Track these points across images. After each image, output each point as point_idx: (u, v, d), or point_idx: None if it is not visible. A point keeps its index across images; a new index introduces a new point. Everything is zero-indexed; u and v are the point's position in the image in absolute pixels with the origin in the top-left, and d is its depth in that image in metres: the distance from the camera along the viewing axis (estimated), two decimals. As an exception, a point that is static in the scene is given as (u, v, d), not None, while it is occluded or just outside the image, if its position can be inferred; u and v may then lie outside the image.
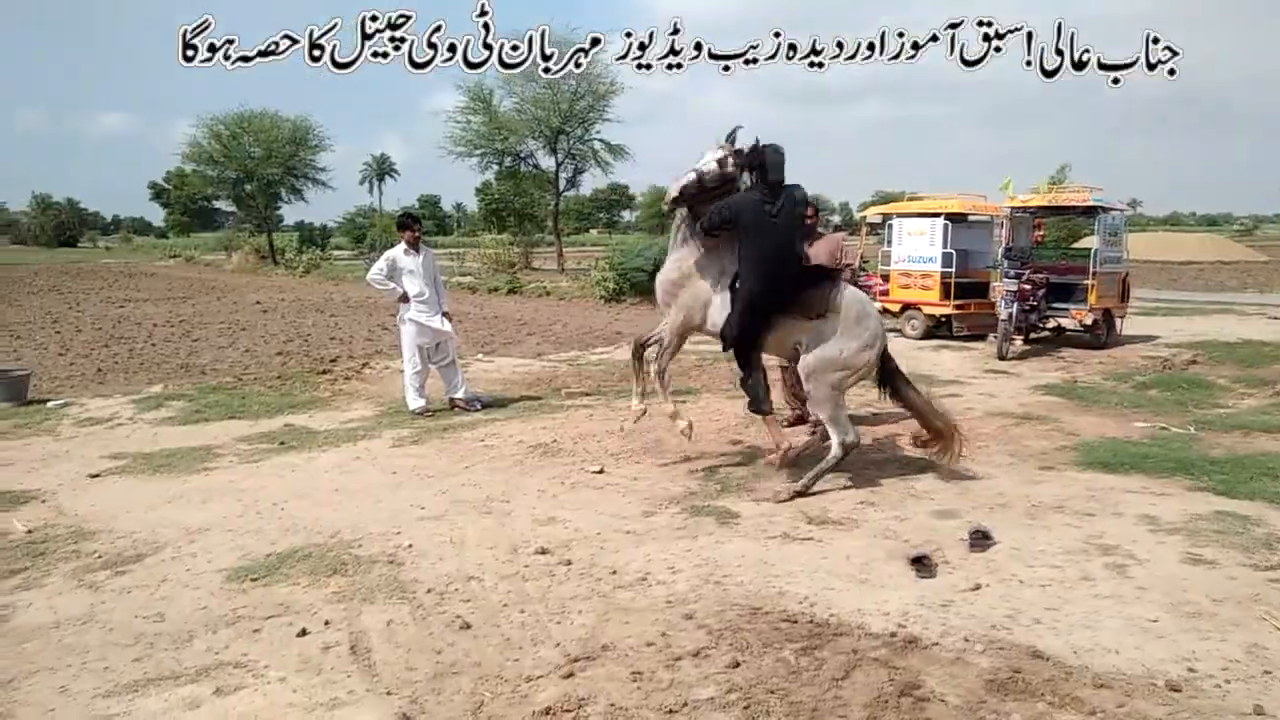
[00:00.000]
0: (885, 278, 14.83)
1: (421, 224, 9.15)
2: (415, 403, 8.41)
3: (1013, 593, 4.23)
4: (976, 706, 3.18)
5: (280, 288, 27.41)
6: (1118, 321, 13.85)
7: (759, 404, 6.19)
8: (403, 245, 8.58)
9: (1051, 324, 13.58)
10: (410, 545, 4.88)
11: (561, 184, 37.63)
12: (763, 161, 5.87)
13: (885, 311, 13.94)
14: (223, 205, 55.74)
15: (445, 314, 8.67)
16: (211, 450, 7.05)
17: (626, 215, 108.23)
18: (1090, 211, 13.89)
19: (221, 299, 22.62)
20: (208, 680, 3.44)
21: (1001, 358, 11.94)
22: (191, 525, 5.26)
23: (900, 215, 14.98)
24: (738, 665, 3.50)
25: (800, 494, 5.70)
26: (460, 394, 8.66)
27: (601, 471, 6.32)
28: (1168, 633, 3.78)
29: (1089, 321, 13.18)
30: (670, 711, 3.18)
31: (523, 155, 37.24)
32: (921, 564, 4.51)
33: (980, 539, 4.82)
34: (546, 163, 37.20)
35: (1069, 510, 5.43)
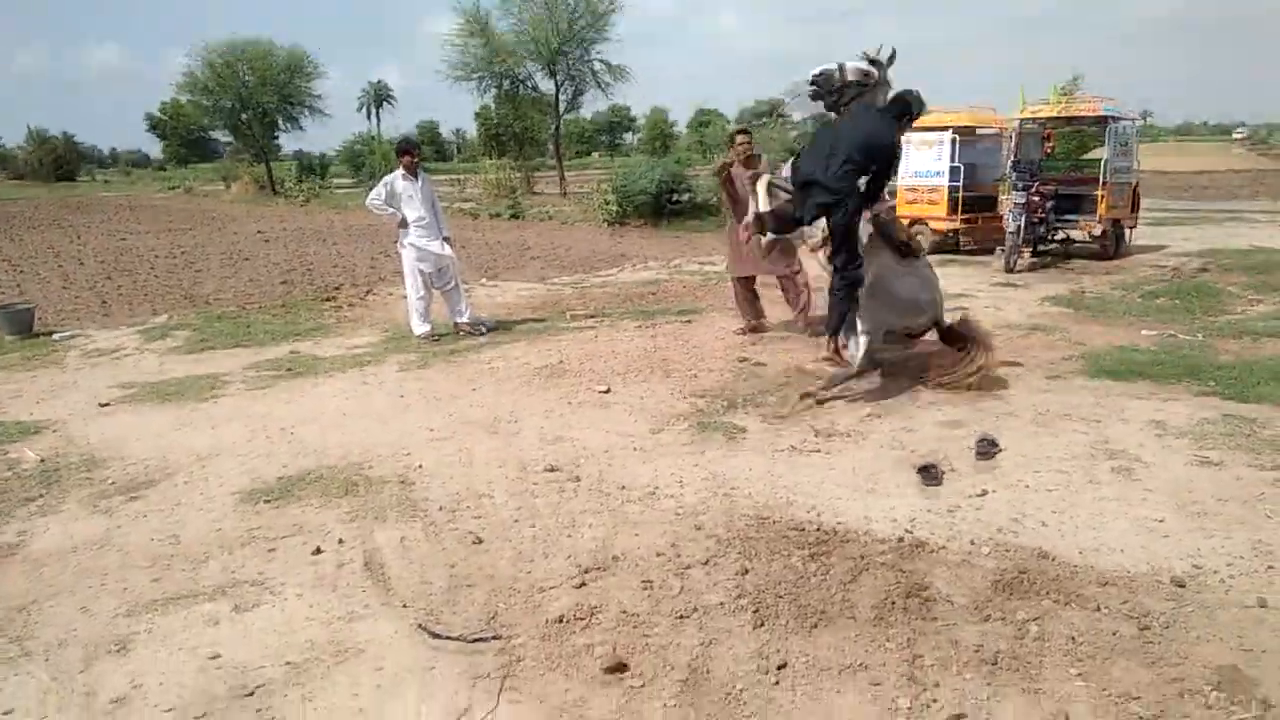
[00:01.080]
0: (892, 193, 14.63)
1: (420, 149, 9.01)
2: (420, 328, 8.40)
3: (1019, 497, 4.25)
4: (983, 605, 3.22)
5: (281, 217, 27.21)
6: (1127, 232, 13.69)
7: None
8: (400, 171, 8.47)
9: (1060, 236, 13.42)
10: (420, 465, 4.92)
11: (561, 107, 36.90)
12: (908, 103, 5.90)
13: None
14: (219, 136, 55.04)
15: (446, 238, 8.60)
16: (219, 378, 7.07)
17: (629, 138, 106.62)
18: (1101, 122, 13.60)
19: (222, 230, 22.47)
20: (225, 598, 3.50)
21: (1009, 271, 11.85)
22: (202, 451, 5.30)
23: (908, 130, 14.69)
24: (747, 572, 3.54)
25: (817, 401, 5.81)
26: (465, 318, 8.64)
27: (608, 391, 6.33)
28: (1173, 532, 3.80)
29: (1098, 233, 13.02)
30: (681, 617, 3.23)
31: (521, 78, 36.42)
32: (929, 472, 4.53)
33: (987, 447, 4.83)
34: (546, 85, 36.42)
35: (1076, 417, 5.43)
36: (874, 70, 5.89)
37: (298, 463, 5.05)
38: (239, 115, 44.17)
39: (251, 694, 2.86)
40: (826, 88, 5.86)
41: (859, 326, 6.00)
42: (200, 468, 5.03)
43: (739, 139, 8.24)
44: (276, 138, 48.85)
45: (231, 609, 3.42)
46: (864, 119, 5.77)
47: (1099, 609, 3.16)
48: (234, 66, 41.68)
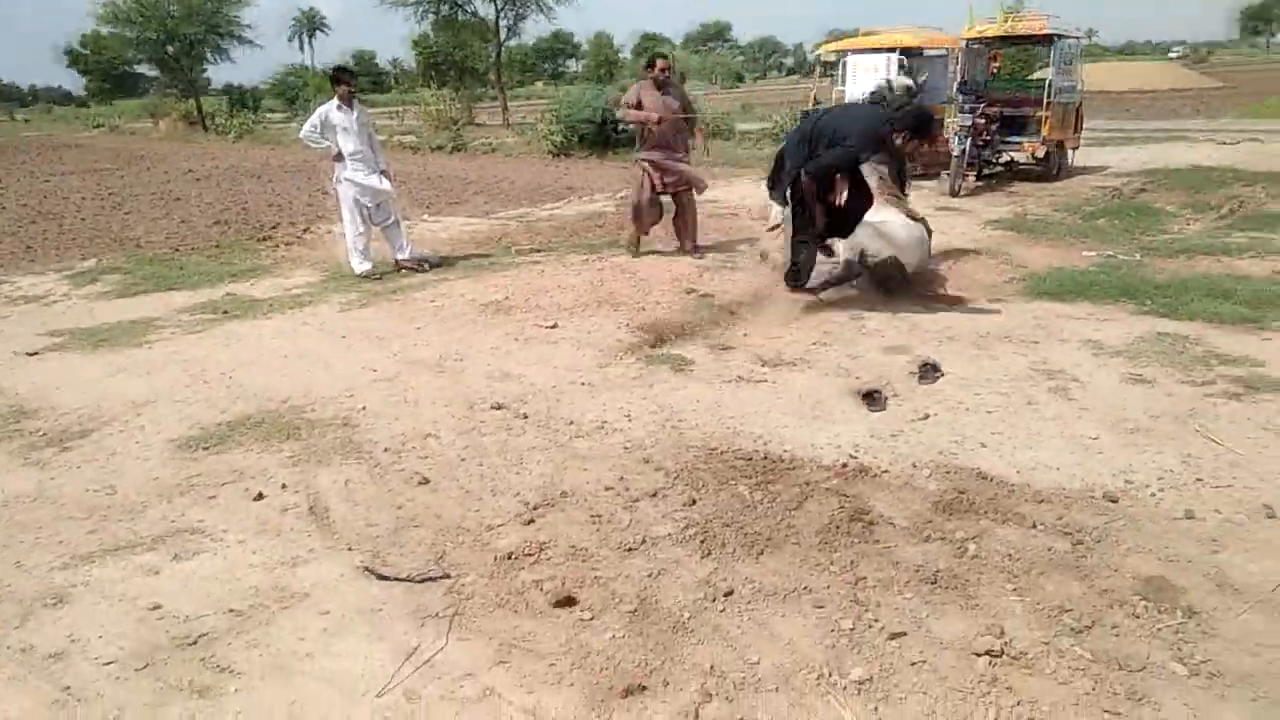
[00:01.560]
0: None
1: (355, 78, 8.70)
2: (360, 266, 8.22)
3: (959, 420, 4.33)
4: (923, 526, 3.29)
5: (213, 155, 26.32)
6: (1070, 153, 13.81)
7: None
8: (335, 101, 8.17)
9: (1004, 159, 13.49)
10: (364, 407, 4.85)
11: (502, 33, 35.94)
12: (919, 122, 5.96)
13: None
14: (145, 70, 52.72)
15: (384, 172, 8.37)
16: (152, 323, 6.87)
17: (572, 65, 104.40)
18: (1047, 41, 13.60)
19: (151, 169, 21.68)
20: (165, 547, 3.44)
21: (954, 194, 11.90)
22: (137, 398, 5.16)
23: (854, 52, 14.58)
24: (694, 503, 3.56)
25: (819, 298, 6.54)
26: (406, 254, 8.46)
27: (555, 326, 6.28)
28: (1106, 449, 3.91)
29: (1041, 154, 13.10)
30: (629, 549, 3.25)
31: (460, 2, 35.34)
32: (872, 398, 4.59)
33: (929, 371, 4.89)
34: (485, 10, 35.40)
35: (1015, 339, 5.52)
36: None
37: (237, 407, 4.95)
38: (164, 47, 42.32)
39: (195, 643, 2.83)
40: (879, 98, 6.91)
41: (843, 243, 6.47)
42: (135, 415, 4.90)
43: (659, 62, 8.45)
44: (205, 70, 47.00)
45: (172, 558, 3.36)
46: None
47: (1034, 526, 3.25)
48: (155, -1, 39.83)
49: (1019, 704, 2.35)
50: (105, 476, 4.11)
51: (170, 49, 42.26)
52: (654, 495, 3.67)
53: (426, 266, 8.49)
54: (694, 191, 8.66)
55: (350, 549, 3.36)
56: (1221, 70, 62.83)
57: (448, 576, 3.13)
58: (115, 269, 9.05)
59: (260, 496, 3.82)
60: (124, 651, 2.79)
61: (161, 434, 4.59)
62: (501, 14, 35.15)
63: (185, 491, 3.92)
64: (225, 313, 7.12)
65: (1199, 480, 3.56)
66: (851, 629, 2.70)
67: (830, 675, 2.51)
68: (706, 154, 9.73)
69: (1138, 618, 2.69)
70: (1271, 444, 3.86)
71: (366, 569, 3.19)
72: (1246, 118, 24.69)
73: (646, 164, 8.42)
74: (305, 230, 11.07)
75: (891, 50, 13.72)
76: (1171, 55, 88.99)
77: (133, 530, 3.59)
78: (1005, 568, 2.99)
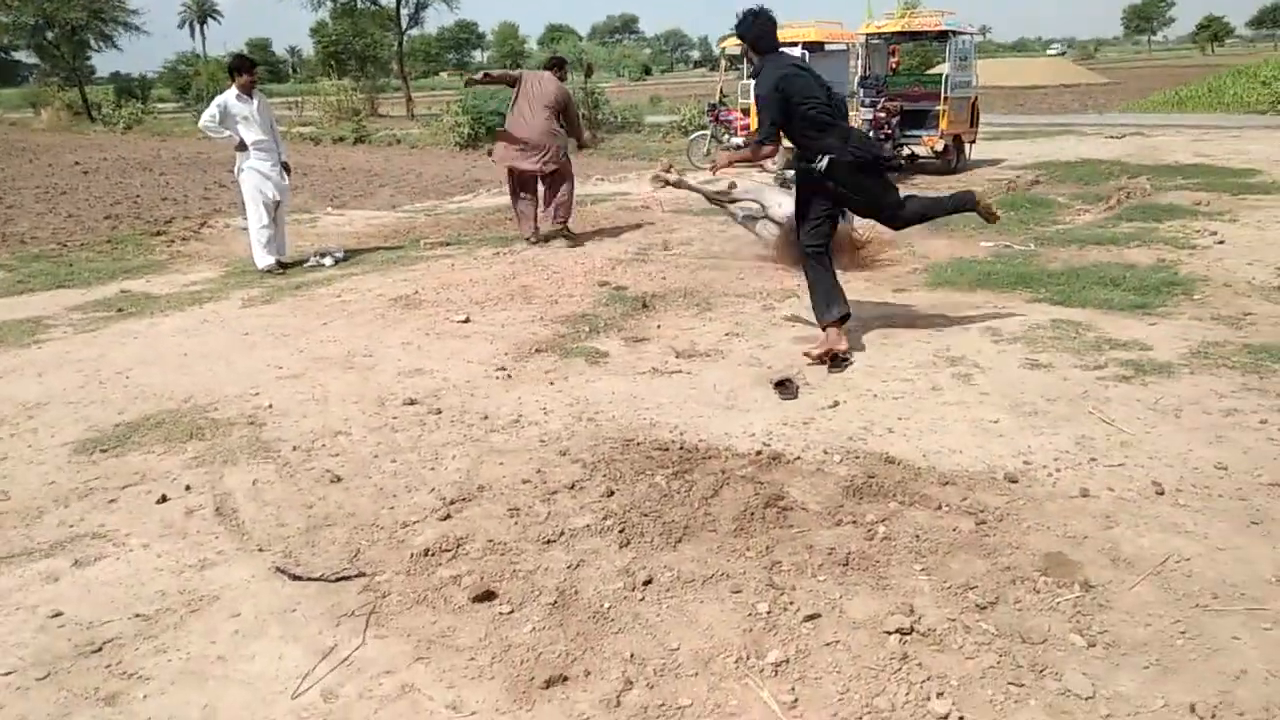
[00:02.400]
0: (745, 111, 14.74)
1: (257, 67, 8.44)
2: (264, 260, 7.99)
3: (868, 406, 4.45)
4: (835, 510, 3.37)
5: (100, 146, 25.17)
6: (967, 146, 14.28)
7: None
8: (234, 90, 7.92)
9: (905, 152, 13.86)
10: (270, 405, 4.72)
11: (404, 22, 35.25)
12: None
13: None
14: (23, 57, 50.08)
15: (284, 164, 8.16)
16: (41, 322, 6.55)
17: (478, 55, 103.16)
18: (943, 36, 14.02)
19: (34, 161, 20.61)
20: (64, 553, 3.29)
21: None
22: (28, 400, 4.92)
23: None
24: (612, 494, 3.58)
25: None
26: (278, 253, 8.19)
27: (467, 320, 6.21)
28: (1007, 431, 4.07)
29: (940, 148, 13.52)
30: (548, 542, 3.25)
31: (359, -13, 34.52)
32: (784, 386, 4.67)
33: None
34: (386, -2, 34.66)
35: (919, 327, 5.70)
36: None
37: (136, 408, 4.77)
38: (43, 33, 40.28)
39: (99, 650, 2.72)
40: None
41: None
42: (27, 418, 4.67)
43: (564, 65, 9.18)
44: (89, 58, 44.87)
45: (72, 564, 3.22)
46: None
47: (940, 507, 3.36)
48: (30, -21, 37.86)
49: (929, 679, 2.44)
50: (-6, 483, 3.91)
51: (50, 35, 40.23)
52: (572, 487, 3.67)
53: (331, 261, 8.30)
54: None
55: (261, 550, 3.28)
56: (1107, 66, 65.77)
57: (363, 575, 3.08)
58: (-1, 266, 8.60)
59: (164, 499, 3.69)
60: (24, 661, 2.66)
61: (57, 437, 4.39)
62: (403, 2, 34.46)
63: (84, 495, 3.76)
64: (120, 310, 6.84)
65: (1093, 460, 3.74)
66: (768, 612, 2.75)
67: (748, 659, 2.56)
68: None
69: (1038, 593, 2.81)
70: (1159, 424, 4.08)
71: (278, 569, 3.11)
72: (1131, 112, 25.96)
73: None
74: (202, 224, 10.71)
75: (794, 45, 13.95)
76: (1050, 51, 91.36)
77: (29, 537, 3.42)
78: (914, 548, 3.09)
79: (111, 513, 3.62)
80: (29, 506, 3.68)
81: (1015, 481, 3.57)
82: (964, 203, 5.45)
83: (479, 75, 8.96)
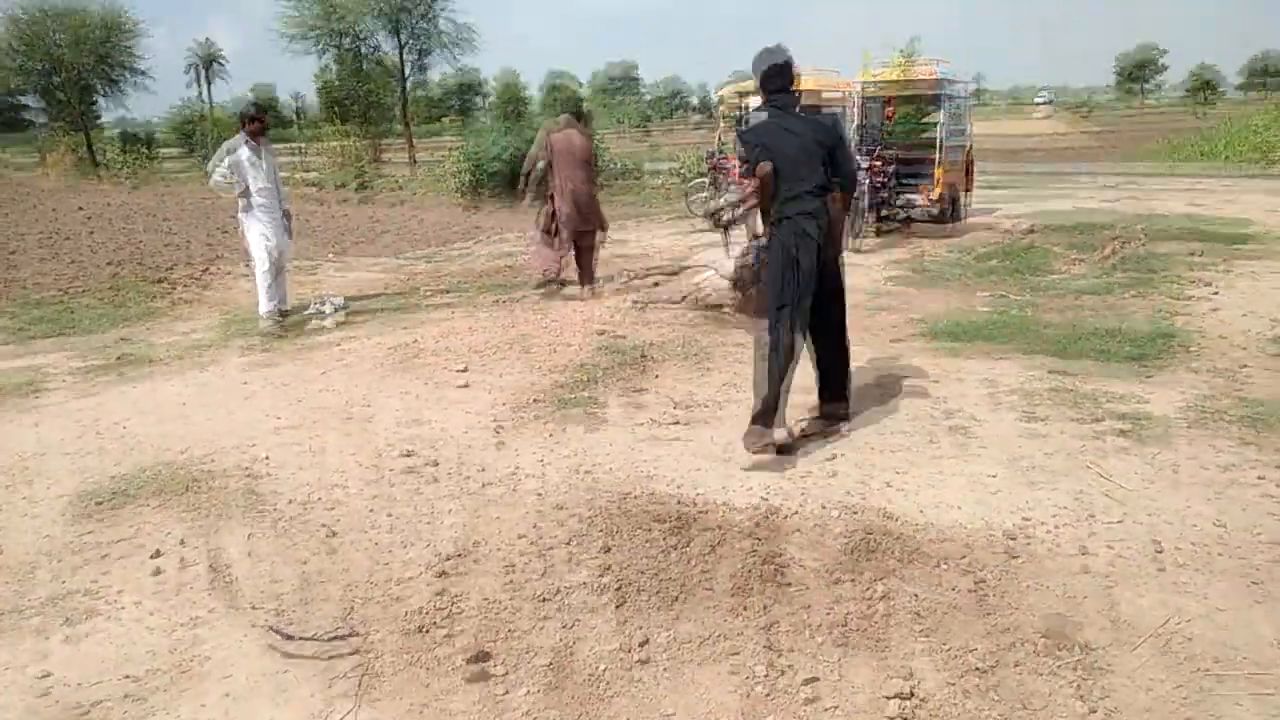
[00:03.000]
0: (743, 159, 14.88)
1: (266, 113, 8.54)
2: (267, 306, 8.01)
3: (865, 461, 4.44)
4: (833, 568, 3.35)
5: (105, 194, 25.33)
6: (963, 198, 14.38)
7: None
8: (244, 136, 8.01)
9: (901, 200, 13.95)
10: (267, 457, 4.71)
11: (407, 70, 35.67)
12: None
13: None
14: (31, 103, 50.60)
15: (286, 212, 8.24)
16: (41, 371, 6.55)
17: (480, 103, 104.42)
18: (936, 94, 14.20)
19: (38, 208, 20.74)
20: (55, 612, 3.26)
21: (855, 238, 12.25)
22: (25, 451, 4.91)
23: (755, 94, 14.95)
24: (609, 550, 3.56)
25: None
26: (285, 304, 8.27)
27: (466, 371, 6.22)
28: (1004, 488, 4.05)
29: (937, 201, 13.62)
30: (544, 600, 3.22)
31: (363, 37, 34.89)
32: (785, 450, 4.65)
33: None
34: (389, 46, 35.07)
35: (916, 381, 5.70)
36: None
37: (133, 460, 4.75)
38: (50, 79, 40.74)
39: (87, 713, 2.69)
40: None
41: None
42: (23, 470, 4.66)
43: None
44: (95, 103, 45.34)
45: (62, 623, 3.19)
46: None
47: (939, 566, 3.35)
48: (42, 24, 38.32)
49: (929, 745, 2.41)
50: (-13, 537, 3.89)
51: (57, 81, 40.69)
52: (568, 543, 3.65)
53: (331, 310, 8.33)
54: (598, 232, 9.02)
55: (254, 608, 3.25)
56: (1101, 118, 66.64)
57: (356, 634, 3.05)
58: (0, 314, 8.63)
59: (158, 554, 3.66)
60: (8, 727, 2.63)
61: (52, 490, 4.37)
62: (406, 50, 34.89)
63: (77, 551, 3.73)
64: (120, 359, 6.84)
65: (1091, 517, 3.73)
66: (765, 675, 2.73)
67: (746, 724, 2.53)
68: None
69: (1039, 656, 2.79)
70: (1157, 480, 4.07)
71: (271, 629, 3.08)
72: (1124, 164, 26.22)
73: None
74: (204, 271, 10.75)
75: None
76: (1038, 99, 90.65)
77: (20, 594, 3.40)
78: (913, 609, 3.06)
79: (104, 569, 3.59)
80: (21, 562, 3.66)
81: (1014, 539, 3.55)
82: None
83: (524, 188, 9.07)
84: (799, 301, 4.65)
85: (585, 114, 10.49)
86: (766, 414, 4.52)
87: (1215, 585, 3.16)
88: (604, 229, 9.10)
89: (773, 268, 4.75)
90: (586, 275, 8.97)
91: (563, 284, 9.04)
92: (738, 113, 15.14)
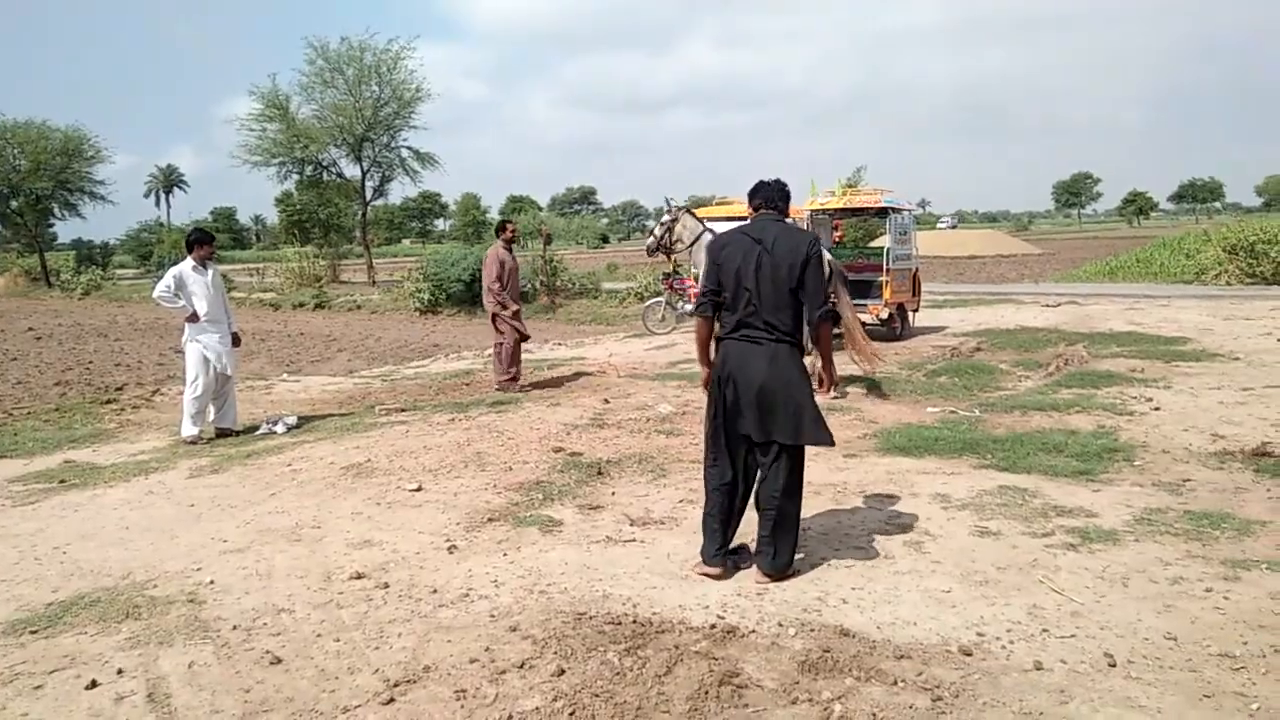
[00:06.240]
0: (697, 279, 15.24)
1: (214, 240, 8.64)
2: (188, 430, 7.93)
3: (822, 574, 4.44)
4: (791, 687, 3.31)
5: (56, 312, 25.17)
6: (911, 315, 14.81)
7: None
8: (191, 262, 8.09)
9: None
10: (212, 581, 4.59)
11: (368, 193, 36.28)
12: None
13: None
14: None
15: (235, 335, 8.30)
16: (-22, 494, 6.37)
17: (440, 224, 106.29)
18: (883, 213, 14.79)
19: (-12, 327, 20.51)
20: (-22, 749, 3.10)
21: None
22: (-45, 579, 4.73)
23: (709, 219, 15.44)
24: (563, 673, 3.49)
25: None
26: (228, 423, 8.26)
27: (420, 489, 6.16)
28: (959, 602, 4.06)
29: (884, 316, 14.02)
30: (495, 727, 3.13)
31: (325, 164, 35.51)
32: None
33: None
34: (351, 171, 35.74)
35: (870, 493, 5.76)
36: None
37: (71, 585, 4.60)
38: (7, 202, 40.84)
39: None
40: None
41: None
42: (-48, 599, 4.48)
43: (508, 226, 10.57)
44: (51, 225, 45.43)
45: (-14, 762, 3.03)
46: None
47: (896, 683, 3.32)
48: (1, 149, 38.65)
49: None
50: (-89, 670, 3.71)
51: (14, 204, 40.80)
52: (521, 666, 3.57)
53: (282, 429, 8.26)
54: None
55: (192, 741, 3.12)
56: (1041, 237, 69.37)
57: (300, 767, 2.93)
58: (-62, 435, 8.41)
59: (94, 684, 3.52)
60: None
61: (-18, 618, 4.20)
62: (368, 175, 35.57)
63: (8, 681, 3.57)
64: (62, 482, 6.68)
65: (1045, 631, 3.74)
66: (724, 801, 2.66)
67: None
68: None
69: (997, 773, 2.76)
70: (1108, 593, 4.11)
71: (209, 764, 2.95)
72: (1065, 281, 27.21)
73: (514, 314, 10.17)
74: (155, 392, 10.63)
75: (744, 219, 14.57)
76: (940, 225, 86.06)
77: (-60, 731, 3.23)
78: (871, 728, 3.02)
79: (37, 699, 3.44)
80: (-54, 695, 3.49)
81: (969, 654, 3.54)
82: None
83: (511, 313, 10.20)
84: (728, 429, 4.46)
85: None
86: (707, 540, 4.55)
87: (1168, 699, 3.17)
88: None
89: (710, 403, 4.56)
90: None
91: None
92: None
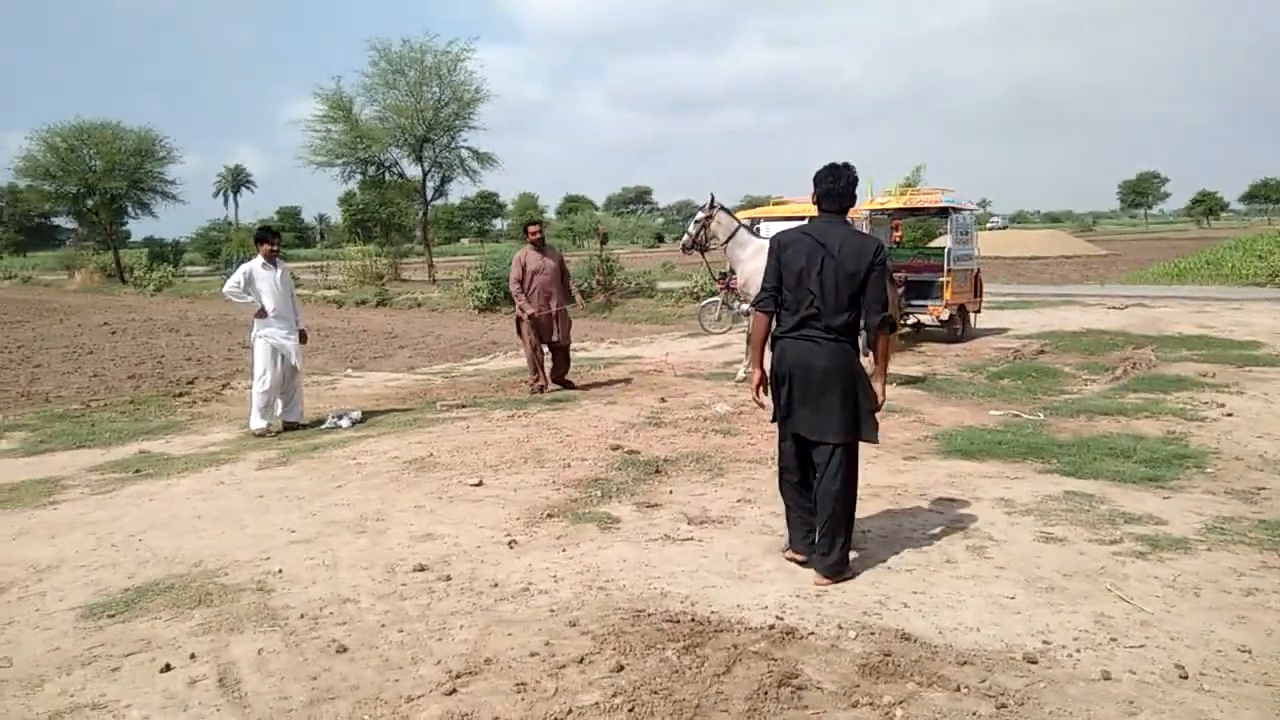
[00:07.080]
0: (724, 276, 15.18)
1: (279, 237, 8.86)
2: (257, 423, 8.16)
3: (882, 578, 4.40)
4: (851, 690, 3.29)
5: (129, 307, 25.97)
6: (972, 316, 14.58)
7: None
8: (260, 259, 8.31)
9: (911, 321, 14.17)
10: (280, 570, 4.71)
11: (429, 193, 36.81)
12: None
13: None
14: (62, 222, 52.45)
15: (301, 332, 8.51)
16: (59, 482, 6.61)
17: (498, 223, 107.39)
18: (943, 212, 14.58)
19: (64, 321, 21.25)
20: (61, 726, 3.23)
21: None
22: (40, 562, 4.92)
23: (766, 219, 15.37)
24: (622, 669, 3.51)
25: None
26: (294, 416, 8.48)
27: (480, 484, 6.24)
28: (1024, 608, 4.00)
29: (945, 317, 13.83)
30: (555, 720, 3.17)
31: (387, 164, 36.15)
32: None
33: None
34: (412, 171, 36.31)
35: (931, 496, 5.69)
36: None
37: (146, 572, 4.75)
38: (84, 201, 42.26)
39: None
40: None
41: None
42: (37, 581, 4.66)
43: (531, 227, 10.37)
44: (125, 223, 46.92)
45: (67, 739, 3.15)
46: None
47: (959, 689, 3.28)
48: (78, 150, 39.98)
49: None
50: (1, 648, 3.87)
51: (90, 202, 42.18)
52: (580, 661, 3.60)
53: (347, 423, 8.43)
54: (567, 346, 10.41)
55: (262, 725, 3.20)
56: (1105, 239, 67.70)
57: (366, 754, 2.99)
58: (22, 425, 8.76)
59: (168, 668, 3.64)
60: None
61: (64, 601, 4.37)
62: (428, 176, 36.09)
63: (87, 663, 3.71)
64: (137, 471, 6.90)
65: (1113, 640, 3.66)
66: (783, 801, 2.66)
67: None
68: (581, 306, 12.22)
69: (1063, 782, 2.71)
70: (1178, 603, 4.01)
71: (279, 747, 3.04)
72: (1131, 283, 26.51)
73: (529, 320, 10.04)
74: (224, 385, 10.91)
75: (801, 219, 14.48)
76: (990, 225, 77.02)
77: (28, 707, 3.36)
78: (933, 733, 2.99)
79: (113, 681, 3.56)
80: (31, 674, 3.63)
81: (1035, 662, 3.49)
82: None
83: (528, 314, 10.08)
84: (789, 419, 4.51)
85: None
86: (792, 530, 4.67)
87: (1242, 713, 3.08)
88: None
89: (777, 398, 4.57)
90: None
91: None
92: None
